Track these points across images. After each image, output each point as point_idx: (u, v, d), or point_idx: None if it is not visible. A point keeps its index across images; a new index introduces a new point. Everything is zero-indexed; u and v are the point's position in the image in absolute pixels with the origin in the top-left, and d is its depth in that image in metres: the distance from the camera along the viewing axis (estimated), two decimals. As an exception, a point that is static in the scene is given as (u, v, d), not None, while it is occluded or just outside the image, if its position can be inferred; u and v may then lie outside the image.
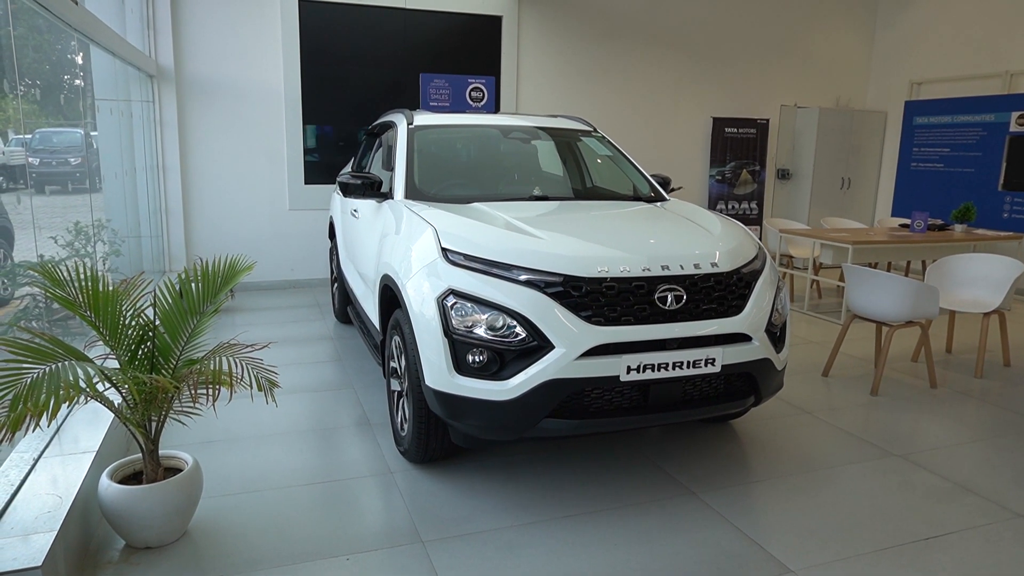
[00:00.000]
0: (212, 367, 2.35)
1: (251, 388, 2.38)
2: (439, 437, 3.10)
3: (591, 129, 4.60)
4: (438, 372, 2.81)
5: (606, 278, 2.76)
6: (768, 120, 8.86)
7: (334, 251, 5.85)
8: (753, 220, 8.96)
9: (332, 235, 5.96)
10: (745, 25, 8.65)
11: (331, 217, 5.98)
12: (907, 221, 7.30)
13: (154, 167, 6.49)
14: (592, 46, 8.02)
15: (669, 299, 2.81)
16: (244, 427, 3.70)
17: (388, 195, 3.87)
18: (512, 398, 2.70)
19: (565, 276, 2.75)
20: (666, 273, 2.84)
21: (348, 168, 5.89)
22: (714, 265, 2.95)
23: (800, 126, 9.09)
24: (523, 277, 2.76)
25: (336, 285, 5.86)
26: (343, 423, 3.81)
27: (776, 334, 3.15)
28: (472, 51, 7.48)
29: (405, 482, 3.13)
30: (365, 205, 4.26)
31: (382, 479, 3.16)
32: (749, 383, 3.05)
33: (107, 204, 6.10)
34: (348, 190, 3.88)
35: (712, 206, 8.83)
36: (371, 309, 3.99)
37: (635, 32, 8.18)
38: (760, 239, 8.99)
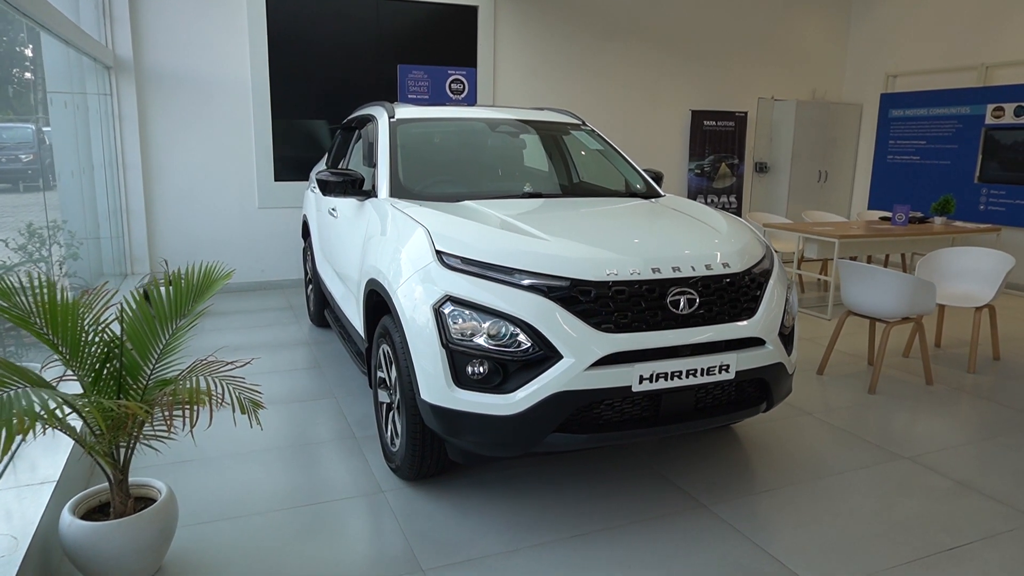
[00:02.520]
0: (188, 387, 2.10)
1: (233, 410, 2.14)
2: (434, 453, 2.89)
3: (580, 122, 4.42)
4: (435, 385, 2.60)
5: (615, 281, 2.58)
6: (746, 113, 8.79)
7: (308, 252, 5.57)
8: (733, 214, 8.88)
9: (306, 235, 5.68)
10: (722, 17, 8.55)
11: (304, 216, 5.70)
12: (886, 214, 7.29)
13: (113, 164, 6.12)
14: (570, 39, 7.84)
15: (682, 303, 2.64)
16: (219, 445, 3.43)
17: (371, 193, 3.63)
18: (516, 412, 2.50)
19: (572, 280, 2.56)
20: (677, 275, 2.67)
21: (322, 164, 5.61)
22: (726, 265, 2.79)
23: (777, 119, 9.04)
24: (526, 281, 2.56)
25: (311, 287, 5.58)
26: (326, 437, 3.58)
27: (787, 336, 3.01)
28: (448, 42, 7.23)
29: (398, 502, 2.92)
30: (345, 204, 4.02)
31: (373, 499, 2.94)
32: (761, 389, 2.91)
33: (63, 204, 5.73)
34: (328, 188, 3.62)
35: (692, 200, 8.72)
36: (354, 314, 3.75)
37: (613, 25, 8.01)
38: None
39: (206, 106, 6.45)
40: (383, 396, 3.21)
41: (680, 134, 8.67)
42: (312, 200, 5.27)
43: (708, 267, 2.74)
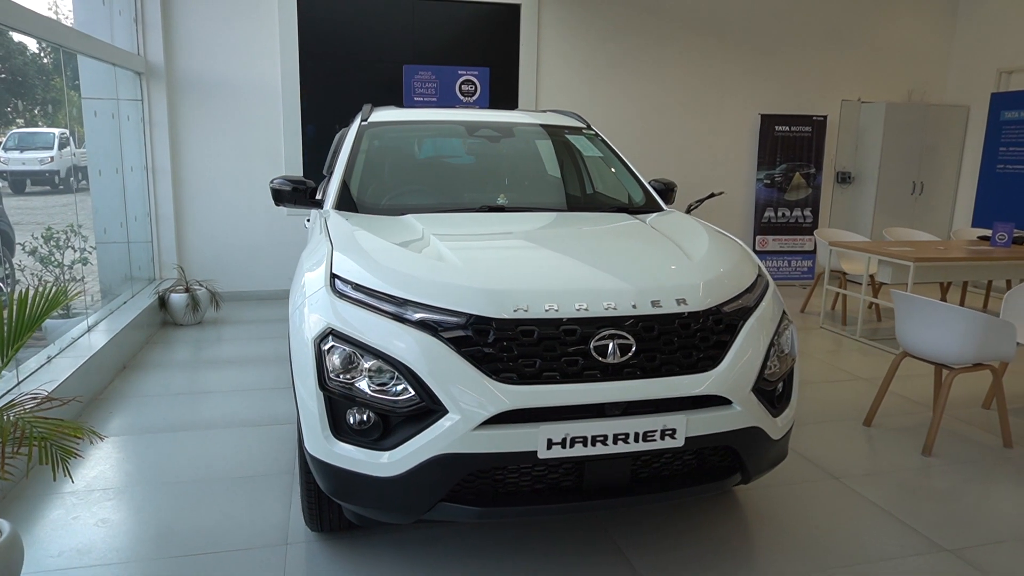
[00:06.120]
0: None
1: (29, 460, 1.82)
2: (333, 507, 2.49)
3: (582, 125, 3.90)
4: (314, 433, 2.19)
5: (523, 319, 2.08)
6: (826, 117, 7.86)
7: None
8: (806, 229, 7.98)
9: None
10: (800, 8, 7.69)
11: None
12: (987, 233, 6.23)
13: (143, 168, 6.16)
14: (620, 37, 7.25)
15: (611, 348, 2.10)
16: (143, 470, 3.18)
17: (321, 204, 3.29)
18: (394, 475, 2.05)
19: (470, 316, 2.08)
20: (610, 313, 2.13)
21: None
22: (681, 302, 2.21)
23: (864, 123, 8.03)
24: (416, 316, 2.11)
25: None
26: (268, 469, 3.25)
27: (773, 391, 2.38)
28: (486, 43, 6.85)
29: (297, 559, 2.53)
30: (313, 214, 3.72)
31: (271, 554, 2.57)
32: (731, 458, 2.30)
33: (95, 207, 5.80)
34: (279, 197, 3.33)
35: (759, 214, 7.90)
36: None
37: (670, 21, 7.36)
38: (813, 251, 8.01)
39: (236, 110, 6.39)
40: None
41: (747, 141, 7.86)
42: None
43: (656, 303, 2.18)
